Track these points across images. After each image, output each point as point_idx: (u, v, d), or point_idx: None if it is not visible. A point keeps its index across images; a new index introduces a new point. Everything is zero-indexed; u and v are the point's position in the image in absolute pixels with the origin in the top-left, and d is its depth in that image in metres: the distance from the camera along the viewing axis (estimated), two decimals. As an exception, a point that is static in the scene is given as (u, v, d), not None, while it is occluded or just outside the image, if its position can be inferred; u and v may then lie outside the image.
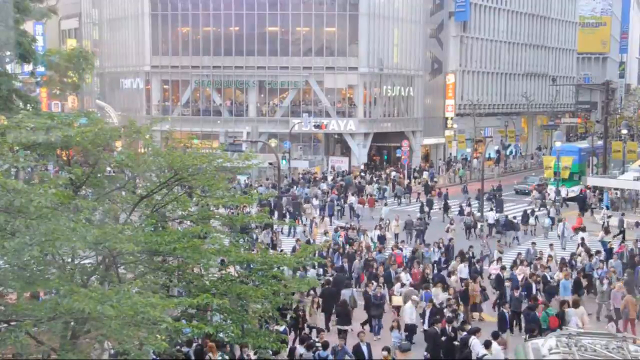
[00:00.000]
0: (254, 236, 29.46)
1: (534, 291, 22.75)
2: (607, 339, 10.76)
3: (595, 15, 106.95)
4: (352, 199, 43.34)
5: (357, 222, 37.53)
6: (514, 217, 38.10)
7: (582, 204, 42.75)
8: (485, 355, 16.55)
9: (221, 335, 13.39)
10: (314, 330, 19.55)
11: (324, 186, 48.49)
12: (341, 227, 32.51)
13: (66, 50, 34.69)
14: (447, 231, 32.78)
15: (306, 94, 60.69)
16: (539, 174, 54.86)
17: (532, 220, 38.65)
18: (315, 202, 43.36)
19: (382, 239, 31.51)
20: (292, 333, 18.73)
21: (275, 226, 30.66)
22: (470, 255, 27.88)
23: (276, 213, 35.69)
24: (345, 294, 22.08)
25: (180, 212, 14.84)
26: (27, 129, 12.52)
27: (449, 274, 25.28)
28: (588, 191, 45.29)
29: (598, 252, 28.70)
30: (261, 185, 48.21)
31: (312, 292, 21.07)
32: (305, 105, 59.78)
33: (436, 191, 48.41)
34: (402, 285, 23.39)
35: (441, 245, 29.41)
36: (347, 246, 29.21)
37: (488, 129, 71.36)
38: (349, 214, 41.75)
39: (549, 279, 24.31)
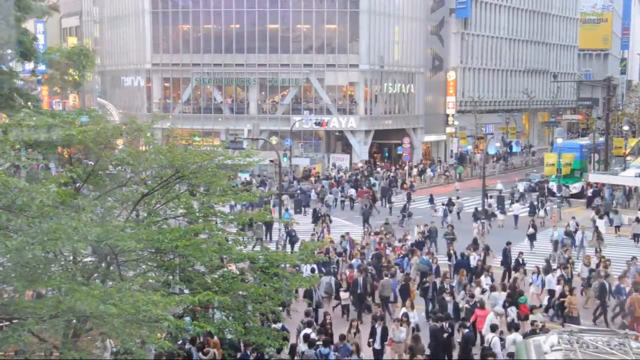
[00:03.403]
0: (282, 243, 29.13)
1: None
2: (609, 335, 10.75)
3: (597, 11, 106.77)
4: (351, 191, 45.76)
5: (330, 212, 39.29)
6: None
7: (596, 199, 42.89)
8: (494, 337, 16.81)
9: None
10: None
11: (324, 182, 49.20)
12: (376, 233, 31.27)
13: (67, 48, 34.60)
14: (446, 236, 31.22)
15: (307, 92, 60.67)
16: (540, 171, 54.86)
17: (541, 213, 38.85)
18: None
19: (419, 244, 29.91)
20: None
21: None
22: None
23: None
24: (323, 280, 22.30)
25: (181, 210, 14.84)
26: (28, 127, 12.52)
27: (515, 284, 23.15)
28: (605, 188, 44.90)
29: None
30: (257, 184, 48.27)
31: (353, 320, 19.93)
32: (306, 103, 59.76)
33: (407, 185, 49.70)
34: (483, 291, 22.03)
35: (480, 252, 27.12)
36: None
37: (489, 126, 71.41)
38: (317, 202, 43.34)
39: None
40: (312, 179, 51.62)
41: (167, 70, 62.25)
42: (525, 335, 16.54)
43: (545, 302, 22.32)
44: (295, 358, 16.98)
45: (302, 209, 42.35)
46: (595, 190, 44.78)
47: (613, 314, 22.43)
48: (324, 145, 61.71)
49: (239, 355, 16.34)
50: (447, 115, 69.19)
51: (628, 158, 51.89)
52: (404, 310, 20.11)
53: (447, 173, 59.78)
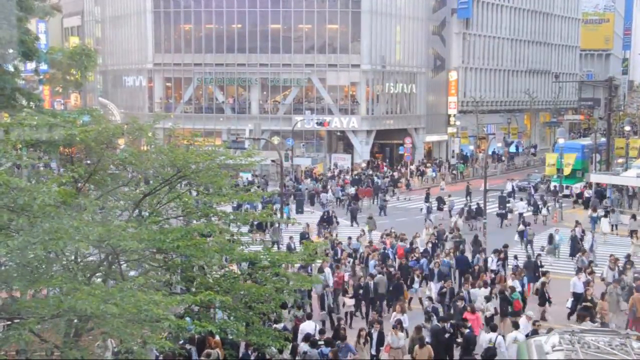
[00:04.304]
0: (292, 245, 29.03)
1: None
2: (610, 336, 10.73)
3: (598, 11, 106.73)
4: (351, 189, 46.05)
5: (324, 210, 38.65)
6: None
7: (600, 199, 42.80)
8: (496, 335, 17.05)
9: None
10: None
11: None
12: (387, 235, 30.62)
13: (69, 48, 34.62)
14: (446, 240, 30.89)
15: (308, 92, 60.67)
16: (542, 171, 54.84)
17: (544, 211, 39.19)
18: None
19: (434, 246, 29.41)
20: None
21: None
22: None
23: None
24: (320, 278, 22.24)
25: (182, 209, 14.83)
26: (30, 127, 12.52)
27: (544, 288, 22.64)
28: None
29: None
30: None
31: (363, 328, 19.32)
32: (308, 103, 59.77)
33: (403, 185, 49.42)
34: (512, 291, 21.45)
35: (501, 255, 26.55)
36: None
37: (491, 126, 71.36)
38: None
39: None
40: (309, 179, 51.53)
41: (168, 70, 62.27)
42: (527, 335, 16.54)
43: (569, 305, 22.11)
44: (297, 358, 16.94)
45: (303, 209, 42.39)
46: (597, 191, 44.73)
47: None
48: (326, 145, 61.72)
49: (240, 355, 16.32)
50: (449, 116, 69.16)
51: (619, 161, 52.02)
52: (395, 315, 19.61)
53: (453, 172, 60.10)
